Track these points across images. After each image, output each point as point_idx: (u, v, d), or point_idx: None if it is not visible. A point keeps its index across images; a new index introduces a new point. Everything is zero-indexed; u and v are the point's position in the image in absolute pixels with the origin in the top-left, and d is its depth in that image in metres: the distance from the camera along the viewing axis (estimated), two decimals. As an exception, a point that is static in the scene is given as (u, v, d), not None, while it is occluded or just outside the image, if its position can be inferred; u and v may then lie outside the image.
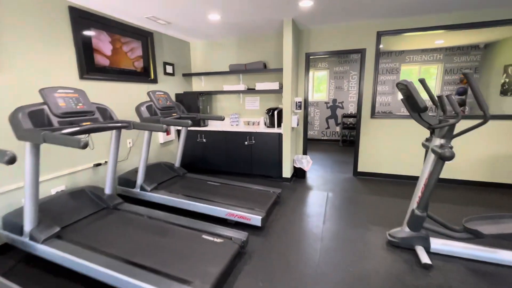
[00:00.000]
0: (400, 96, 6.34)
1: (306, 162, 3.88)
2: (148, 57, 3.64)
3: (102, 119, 2.23)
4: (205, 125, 4.26)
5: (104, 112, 2.29)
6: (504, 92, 5.06)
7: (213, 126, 4.30)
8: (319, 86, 6.97)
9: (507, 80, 4.87)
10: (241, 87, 4.15)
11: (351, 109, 6.66)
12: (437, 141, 1.90)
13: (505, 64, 4.92)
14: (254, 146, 3.89)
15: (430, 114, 1.96)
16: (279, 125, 3.97)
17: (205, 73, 4.32)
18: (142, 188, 2.90)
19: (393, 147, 3.81)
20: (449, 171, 3.62)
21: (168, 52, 4.06)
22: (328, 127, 6.99)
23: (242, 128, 3.98)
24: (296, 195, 3.36)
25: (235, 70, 4.10)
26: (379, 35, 3.58)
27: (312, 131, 7.18)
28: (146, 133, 2.83)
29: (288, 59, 3.44)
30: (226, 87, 4.27)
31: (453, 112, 1.79)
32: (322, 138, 7.10)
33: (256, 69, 3.98)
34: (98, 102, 2.90)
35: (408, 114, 3.72)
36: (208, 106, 4.70)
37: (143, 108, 2.74)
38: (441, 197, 3.20)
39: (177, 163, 3.58)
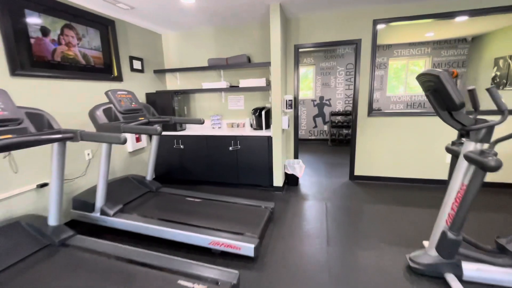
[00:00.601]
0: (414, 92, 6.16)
1: (299, 168, 3.46)
2: (109, 50, 3.03)
3: (35, 129, 1.64)
4: (182, 129, 3.70)
5: (39, 119, 1.70)
6: (496, 85, 4.92)
7: (192, 130, 3.75)
8: (305, 83, 6.60)
9: (498, 73, 4.74)
10: (223, 84, 3.64)
11: (339, 106, 6.36)
12: (472, 146, 1.53)
13: (496, 57, 4.79)
14: (240, 152, 3.40)
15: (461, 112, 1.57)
16: (267, 127, 3.51)
17: (180, 69, 3.76)
18: (102, 212, 2.32)
19: (393, 148, 3.49)
20: (452, 172, 3.35)
21: (136, 45, 3.45)
22: (316, 126, 6.64)
23: (225, 131, 3.48)
24: (291, 208, 2.91)
25: (215, 65, 3.58)
26: (376, 23, 3.22)
27: (300, 131, 6.80)
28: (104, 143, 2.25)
29: (277, 51, 2.98)
30: (205, 85, 3.74)
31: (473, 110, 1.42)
32: (310, 137, 6.75)
33: (239, 64, 3.49)
34: (34, 105, 2.26)
35: (407, 112, 3.44)
36: (186, 107, 4.14)
37: (99, 112, 2.16)
38: (449, 202, 2.90)
39: (148, 176, 3.01)
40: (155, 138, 2.90)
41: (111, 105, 2.29)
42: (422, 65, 5.97)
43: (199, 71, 3.95)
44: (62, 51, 2.50)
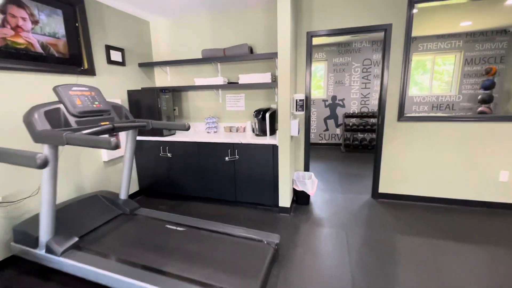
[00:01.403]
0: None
1: (311, 184, 2.80)
2: (77, 37, 2.43)
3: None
4: (170, 134, 3.09)
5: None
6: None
7: (183, 135, 3.14)
8: (316, 80, 5.93)
9: (549, 69, 3.98)
10: (219, 80, 3.01)
11: (354, 107, 5.66)
12: None
13: (547, 50, 4.03)
14: (238, 163, 2.77)
15: None
16: (272, 133, 2.87)
17: (168, 62, 3.15)
18: (48, 249, 1.72)
19: (431, 160, 2.80)
20: (492, 192, 2.65)
21: (115, 33, 2.86)
22: (327, 129, 5.96)
23: (222, 136, 2.85)
24: (301, 239, 2.27)
25: (211, 58, 2.96)
26: (412, 4, 2.54)
27: (309, 134, 6.13)
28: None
29: (285, 38, 2.34)
30: (198, 81, 3.12)
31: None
32: (320, 142, 6.07)
33: (239, 55, 2.85)
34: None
35: (450, 116, 2.75)
36: (177, 107, 3.53)
37: (38, 115, 1.56)
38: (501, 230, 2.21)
39: (122, 194, 2.40)
40: (129, 148, 2.29)
41: (60, 105, 1.69)
42: (452, 61, 5.22)
43: (191, 65, 3.33)
44: (4, 37, 1.91)
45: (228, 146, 2.75)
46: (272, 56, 2.71)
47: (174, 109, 3.54)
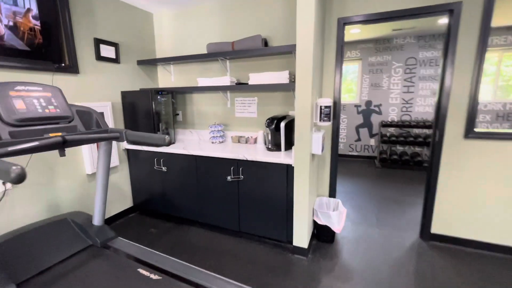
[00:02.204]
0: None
1: (337, 217, 2.12)
2: (56, 23, 2.04)
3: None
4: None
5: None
6: None
7: (183, 143, 2.64)
8: (347, 83, 5.16)
9: None
10: (225, 80, 2.47)
11: (393, 115, 4.79)
12: None
13: None
14: (243, 185, 2.19)
15: None
16: (289, 147, 2.25)
17: (169, 59, 2.67)
18: (-30, 302, 1.28)
19: (510, 196, 1.98)
20: None
21: (108, 24, 2.46)
22: (359, 139, 5.15)
23: (224, 150, 2.29)
24: (320, 302, 1.61)
25: (217, 53, 2.42)
26: (496, -29, 1.77)
27: (336, 144, 5.36)
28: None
29: (307, 24, 1.72)
30: (201, 81, 2.60)
31: None
32: (350, 153, 5.27)
33: (250, 49, 2.28)
34: None
35: None
36: (180, 112, 3.06)
37: None
38: None
39: (96, 219, 1.94)
40: (101, 164, 1.81)
41: (-10, 110, 1.24)
42: (526, 59, 4.14)
43: (196, 62, 2.84)
44: (-48, 19, 1.54)
45: (230, 162, 2.19)
46: (291, 49, 2.09)
47: (177, 114, 3.07)
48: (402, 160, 4.45)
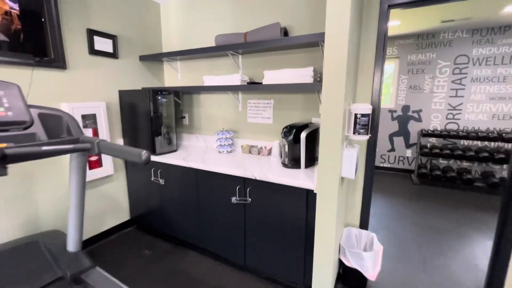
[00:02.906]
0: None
1: (372, 259, 1.61)
2: (39, 11, 1.75)
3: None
4: (164, 151, 2.24)
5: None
6: None
7: (185, 152, 2.26)
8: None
9: None
10: (235, 79, 2.05)
11: (436, 122, 4.09)
12: None
13: None
14: (251, 209, 1.75)
15: None
16: (309, 163, 1.78)
17: (171, 53, 2.30)
18: None
19: None
20: None
21: (105, 14, 2.15)
22: (393, 149, 4.49)
23: (229, 164, 1.87)
24: None
25: (226, 45, 2.01)
26: None
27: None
28: None
29: (342, 7, 1.24)
30: (207, 80, 2.21)
31: None
32: (382, 165, 4.62)
33: (266, 41, 1.83)
34: None
35: None
36: (187, 114, 2.69)
37: None
38: None
39: (70, 244, 1.60)
40: (74, 180, 1.46)
41: None
42: None
43: (205, 58, 2.45)
44: None
45: (236, 180, 1.76)
46: (318, 38, 1.62)
47: (183, 117, 2.71)
48: (447, 176, 3.74)
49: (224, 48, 2.01)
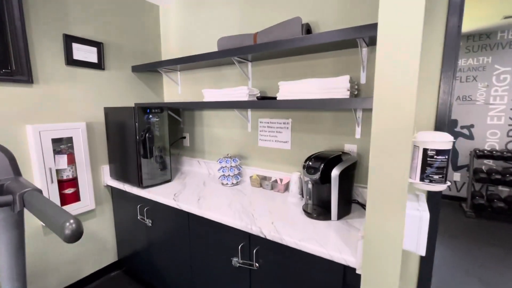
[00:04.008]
0: None
1: None
2: None
3: None
4: (152, 184, 1.79)
5: None
6: None
7: (181, 183, 1.80)
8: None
9: None
10: (242, 93, 1.57)
11: (493, 141, 3.34)
12: None
13: None
14: (258, 278, 1.22)
15: None
16: (344, 212, 1.23)
17: (163, 63, 1.89)
18: None
19: None
20: None
21: (87, 15, 1.80)
22: (436, 172, 3.74)
23: (231, 206, 1.37)
24: None
25: (232, 50, 1.55)
26: None
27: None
28: None
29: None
30: (207, 94, 1.75)
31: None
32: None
33: (281, 42, 1.34)
34: None
35: None
36: (188, 134, 2.25)
37: None
38: None
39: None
40: (3, 248, 1.04)
41: None
42: None
43: (207, 68, 2.01)
44: None
45: (239, 235, 1.25)
46: (356, 34, 1.11)
47: (183, 137, 2.27)
48: (513, 209, 2.97)
49: (229, 53, 1.55)
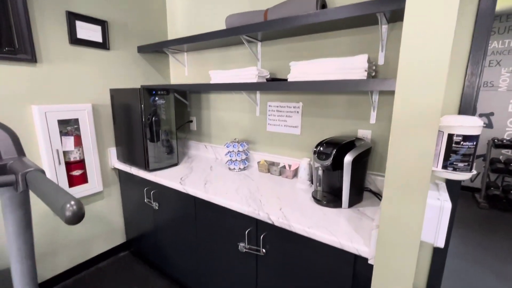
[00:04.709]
0: None
1: None
2: (2, -8, 1.35)
3: None
4: (158, 168, 1.77)
5: None
6: None
7: (188, 167, 1.78)
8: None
9: None
10: (251, 74, 1.49)
11: (513, 129, 3.18)
12: None
13: None
14: (265, 263, 1.20)
15: None
16: (356, 200, 1.18)
17: (168, 43, 1.81)
18: None
19: None
20: None
21: (93, -7, 1.72)
22: (450, 161, 3.62)
23: (238, 191, 1.34)
24: None
25: (240, 27, 1.46)
26: None
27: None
28: None
29: None
30: (214, 76, 1.68)
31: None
32: (434, 179, 3.77)
33: (294, 19, 1.25)
34: None
35: None
36: (195, 118, 2.21)
37: None
38: None
39: (19, 301, 1.19)
40: (11, 225, 1.04)
41: None
42: None
43: (214, 49, 1.93)
44: None
45: (246, 221, 1.22)
46: (377, 8, 1.01)
47: (190, 121, 2.23)
48: (530, 202, 2.86)
49: (237, 32, 1.47)
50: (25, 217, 1.03)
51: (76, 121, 1.71)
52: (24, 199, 1.00)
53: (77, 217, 0.66)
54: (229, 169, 1.78)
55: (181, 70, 2.22)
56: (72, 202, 0.66)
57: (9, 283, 1.46)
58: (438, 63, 0.68)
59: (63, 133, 1.66)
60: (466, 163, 0.82)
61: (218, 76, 1.64)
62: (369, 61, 1.13)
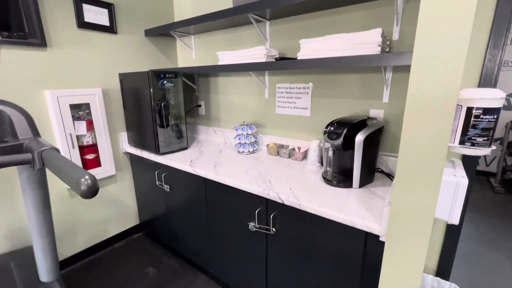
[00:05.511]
0: None
1: None
2: (8, -25, 1.35)
3: None
4: (169, 151, 1.79)
5: None
6: None
7: (197, 151, 1.79)
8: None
9: None
10: (259, 53, 1.46)
11: (535, 111, 3.03)
12: None
13: None
14: (275, 242, 1.22)
15: None
16: (367, 180, 1.17)
17: (174, 25, 1.78)
18: None
19: None
20: None
21: (96, -26, 1.70)
22: (465, 145, 3.51)
23: (247, 172, 1.35)
24: None
25: (247, 5, 1.42)
26: None
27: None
28: None
29: None
30: (222, 57, 1.65)
31: None
32: (447, 164, 3.68)
33: (302, -8, 1.20)
34: None
35: None
36: (203, 102, 2.20)
37: None
38: None
39: (42, 275, 1.25)
40: (30, 200, 1.08)
41: None
42: None
43: (222, 31, 1.89)
44: None
45: (256, 201, 1.23)
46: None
47: (199, 105, 2.23)
48: (549, 186, 2.76)
49: (244, 10, 1.42)
50: (44, 195, 1.07)
51: (87, 106, 1.73)
52: (41, 178, 1.04)
53: (92, 191, 0.68)
54: (238, 152, 1.78)
55: (189, 54, 2.20)
56: (87, 177, 0.67)
57: (33, 259, 1.54)
58: (458, 35, 0.63)
59: (75, 118, 1.69)
60: (486, 138, 0.78)
61: (226, 57, 1.61)
62: (383, 35, 1.08)
